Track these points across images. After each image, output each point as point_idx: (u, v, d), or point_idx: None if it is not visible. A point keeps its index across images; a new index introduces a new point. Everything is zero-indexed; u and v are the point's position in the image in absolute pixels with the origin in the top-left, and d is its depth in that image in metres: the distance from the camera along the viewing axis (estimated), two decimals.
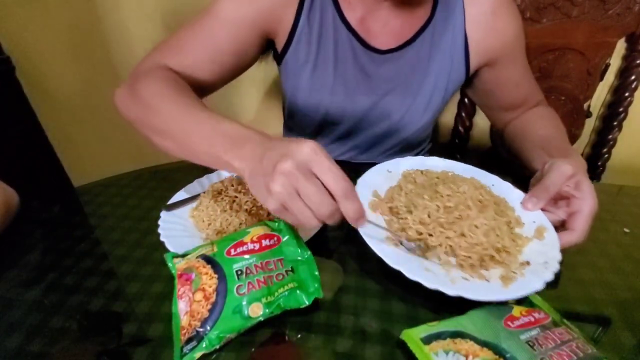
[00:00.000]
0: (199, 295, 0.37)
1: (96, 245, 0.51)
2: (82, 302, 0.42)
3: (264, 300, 0.37)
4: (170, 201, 0.55)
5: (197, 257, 0.40)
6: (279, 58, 0.66)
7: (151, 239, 0.49)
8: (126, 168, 0.69)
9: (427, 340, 0.35)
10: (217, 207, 0.52)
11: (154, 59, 0.59)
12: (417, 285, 0.42)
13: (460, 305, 0.40)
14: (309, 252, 0.41)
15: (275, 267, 0.40)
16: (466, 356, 0.33)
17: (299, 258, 0.41)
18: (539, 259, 0.42)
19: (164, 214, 0.52)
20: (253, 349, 0.37)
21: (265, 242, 0.41)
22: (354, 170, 0.67)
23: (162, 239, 0.47)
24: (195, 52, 0.60)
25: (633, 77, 0.94)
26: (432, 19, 0.62)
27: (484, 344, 0.34)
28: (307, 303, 0.39)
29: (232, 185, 0.55)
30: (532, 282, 0.39)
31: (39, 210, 0.58)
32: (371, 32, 0.62)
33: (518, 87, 0.69)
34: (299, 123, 0.73)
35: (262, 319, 0.37)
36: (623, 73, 0.96)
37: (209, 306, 0.36)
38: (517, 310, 0.37)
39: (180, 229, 0.50)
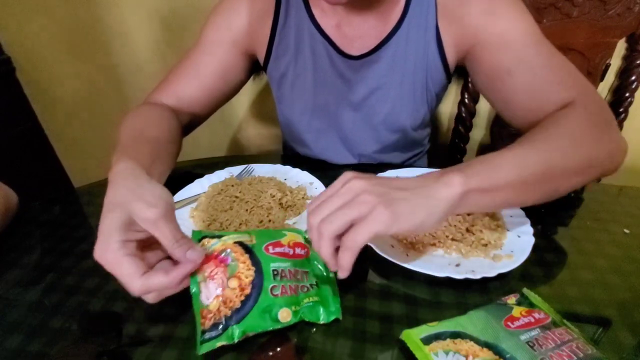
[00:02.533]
0: (234, 283, 0.35)
1: None
2: (82, 303, 0.42)
3: (293, 308, 0.36)
4: None
5: (234, 243, 0.37)
6: (265, 71, 0.69)
7: None
8: None
9: (427, 340, 0.35)
10: (217, 207, 0.52)
11: (153, 97, 0.65)
12: (417, 286, 0.44)
13: (461, 306, 0.41)
14: (332, 274, 0.40)
15: (302, 278, 0.39)
16: (466, 356, 0.33)
17: (323, 274, 0.40)
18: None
19: None
20: (253, 349, 0.37)
21: (297, 250, 0.40)
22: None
23: None
24: (184, 83, 0.65)
25: (633, 78, 0.94)
26: (406, 16, 0.60)
27: (484, 344, 0.34)
28: (326, 321, 0.38)
29: (232, 186, 0.56)
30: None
31: (39, 210, 0.58)
32: (348, 37, 0.62)
33: (510, 75, 0.56)
34: (293, 131, 0.74)
35: (286, 326, 0.36)
36: (623, 73, 0.96)
37: (243, 297, 0.34)
38: (517, 311, 0.37)
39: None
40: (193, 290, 0.35)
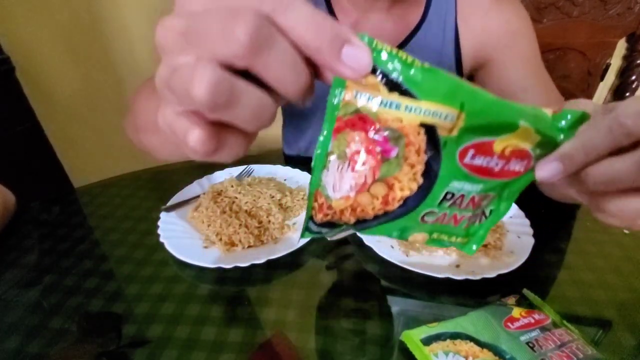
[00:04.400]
0: (380, 190, 0.23)
1: (96, 246, 0.51)
2: (82, 303, 0.42)
3: (435, 235, 0.26)
4: (170, 202, 0.55)
5: (420, 125, 0.21)
6: None
7: (151, 240, 0.49)
8: (126, 169, 0.69)
9: (427, 341, 0.35)
10: (216, 208, 0.52)
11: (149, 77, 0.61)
12: (417, 287, 0.44)
13: (460, 307, 0.41)
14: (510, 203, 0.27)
15: (481, 205, 0.26)
16: (466, 357, 0.33)
17: (505, 204, 0.27)
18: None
19: (163, 215, 0.52)
20: (253, 349, 0.37)
21: (510, 166, 0.24)
22: None
23: (161, 240, 0.47)
24: None
25: (633, 78, 0.94)
26: (424, 21, 0.60)
27: (483, 345, 0.34)
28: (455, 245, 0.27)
29: (232, 187, 0.56)
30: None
31: (38, 210, 0.58)
32: None
33: (526, 92, 0.58)
34: (296, 132, 0.74)
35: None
36: (623, 73, 0.97)
37: (380, 212, 0.23)
38: (517, 312, 0.37)
39: (180, 230, 0.50)
40: (316, 157, 0.22)
